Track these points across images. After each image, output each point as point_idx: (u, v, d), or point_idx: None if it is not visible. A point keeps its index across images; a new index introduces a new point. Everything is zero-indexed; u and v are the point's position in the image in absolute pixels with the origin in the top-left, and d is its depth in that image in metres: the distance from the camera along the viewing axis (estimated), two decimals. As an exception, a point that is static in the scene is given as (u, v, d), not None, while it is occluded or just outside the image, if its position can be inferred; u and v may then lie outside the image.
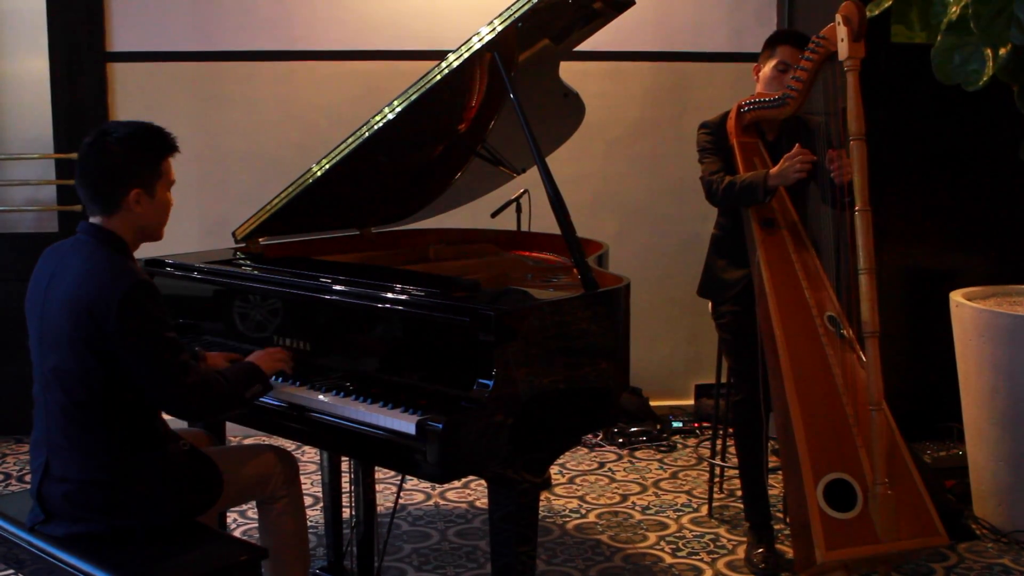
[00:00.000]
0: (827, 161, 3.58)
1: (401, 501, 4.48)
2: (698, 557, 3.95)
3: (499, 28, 3.07)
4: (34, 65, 5.31)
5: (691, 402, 5.79)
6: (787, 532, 4.02)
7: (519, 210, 4.63)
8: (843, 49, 3.26)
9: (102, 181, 2.68)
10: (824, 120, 3.62)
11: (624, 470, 4.95)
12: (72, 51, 5.25)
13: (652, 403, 5.61)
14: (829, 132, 3.59)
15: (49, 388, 2.68)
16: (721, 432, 4.47)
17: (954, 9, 3.39)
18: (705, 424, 5.51)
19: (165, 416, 2.79)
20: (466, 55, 3.11)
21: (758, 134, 3.87)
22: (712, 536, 4.14)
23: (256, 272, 3.34)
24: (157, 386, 2.62)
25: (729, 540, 4.09)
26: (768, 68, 3.83)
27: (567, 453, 4.96)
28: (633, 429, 5.33)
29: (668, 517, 4.35)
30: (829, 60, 3.43)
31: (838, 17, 3.25)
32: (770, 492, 3.99)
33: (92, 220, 2.72)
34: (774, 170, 3.60)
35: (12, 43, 5.36)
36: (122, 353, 2.57)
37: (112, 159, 2.66)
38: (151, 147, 2.71)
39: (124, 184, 2.67)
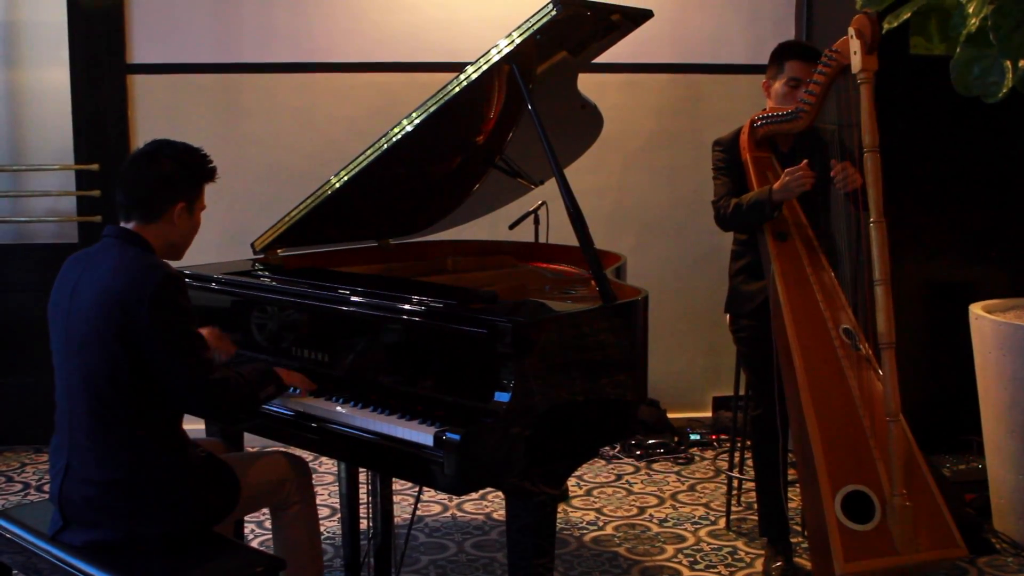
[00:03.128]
0: (832, 172, 3.59)
1: (418, 512, 4.48)
2: (716, 570, 3.93)
3: (518, 40, 3.07)
4: (55, 77, 5.35)
5: (709, 414, 5.78)
6: (805, 546, 4.01)
7: (537, 222, 4.63)
8: (856, 62, 3.26)
9: (151, 189, 2.77)
10: (838, 132, 3.62)
11: (641, 482, 4.94)
12: (93, 63, 5.28)
13: (670, 415, 5.60)
14: (842, 144, 3.59)
15: (74, 390, 2.71)
16: (739, 444, 4.46)
17: (973, 21, 3.38)
18: (723, 436, 5.49)
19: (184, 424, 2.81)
20: (485, 67, 3.12)
21: (771, 148, 3.87)
22: (730, 549, 4.12)
23: (275, 283, 3.35)
24: (181, 381, 2.65)
25: (747, 553, 4.08)
26: (779, 85, 3.83)
27: (584, 465, 4.95)
28: (651, 441, 5.32)
29: (686, 530, 4.34)
30: (842, 73, 3.43)
31: (851, 30, 3.26)
32: (789, 505, 3.97)
33: (123, 226, 2.79)
34: (777, 185, 3.62)
35: (34, 55, 5.40)
36: (150, 346, 2.61)
37: (167, 171, 2.77)
38: (200, 168, 2.85)
39: (173, 195, 2.78)
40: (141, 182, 2.78)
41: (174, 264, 2.91)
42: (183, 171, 2.79)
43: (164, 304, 2.61)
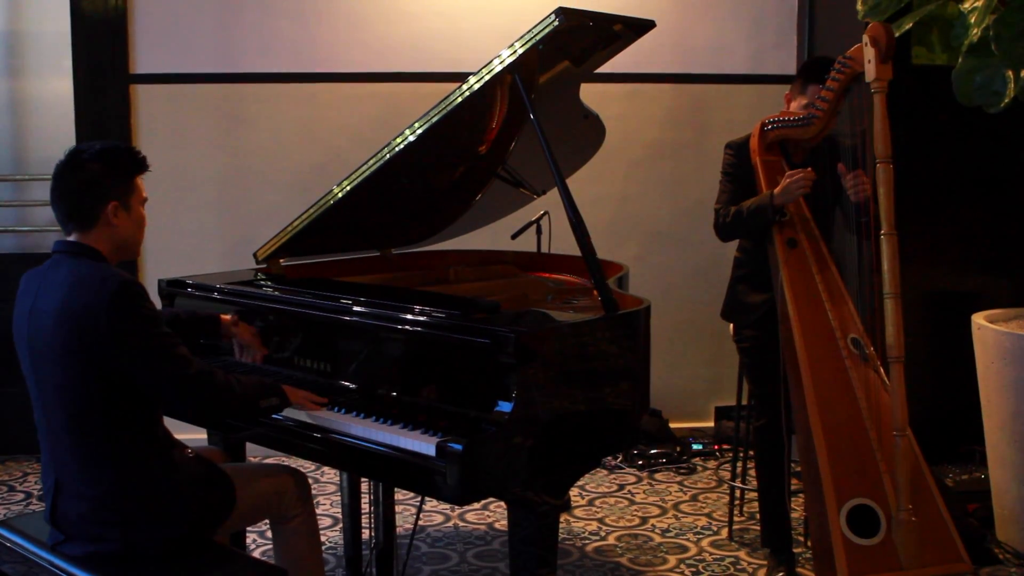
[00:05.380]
0: (843, 180, 3.59)
1: (420, 522, 4.47)
2: (718, 580, 3.93)
3: (520, 51, 3.08)
4: (58, 86, 5.36)
5: (711, 424, 5.77)
6: (807, 556, 4.00)
7: (539, 232, 4.63)
8: (870, 71, 3.24)
9: (80, 196, 2.72)
10: (851, 142, 3.61)
11: (644, 492, 4.93)
12: (96, 73, 5.29)
13: (672, 425, 5.59)
14: (855, 154, 3.58)
15: (49, 408, 2.70)
16: (741, 454, 4.45)
17: (975, 31, 3.38)
18: (725, 446, 5.48)
19: (172, 429, 2.79)
20: (487, 77, 3.12)
21: (782, 153, 3.85)
22: (732, 559, 4.12)
23: (277, 293, 3.35)
24: (159, 383, 2.63)
25: (749, 563, 4.07)
26: (797, 105, 3.81)
27: (586, 475, 4.95)
28: (653, 451, 5.31)
29: (688, 540, 4.33)
30: (855, 81, 3.42)
31: (865, 38, 3.23)
32: (791, 515, 3.96)
33: (68, 238, 2.75)
34: (778, 189, 3.62)
35: (37, 65, 5.42)
36: (118, 356, 2.58)
37: (89, 175, 2.71)
38: (124, 163, 2.76)
39: (102, 197, 2.71)
40: (68, 192, 2.74)
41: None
42: (106, 169, 2.72)
43: (122, 313, 2.58)
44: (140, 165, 2.80)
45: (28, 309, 2.72)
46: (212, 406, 2.77)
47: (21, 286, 2.81)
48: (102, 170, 2.72)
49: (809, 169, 3.59)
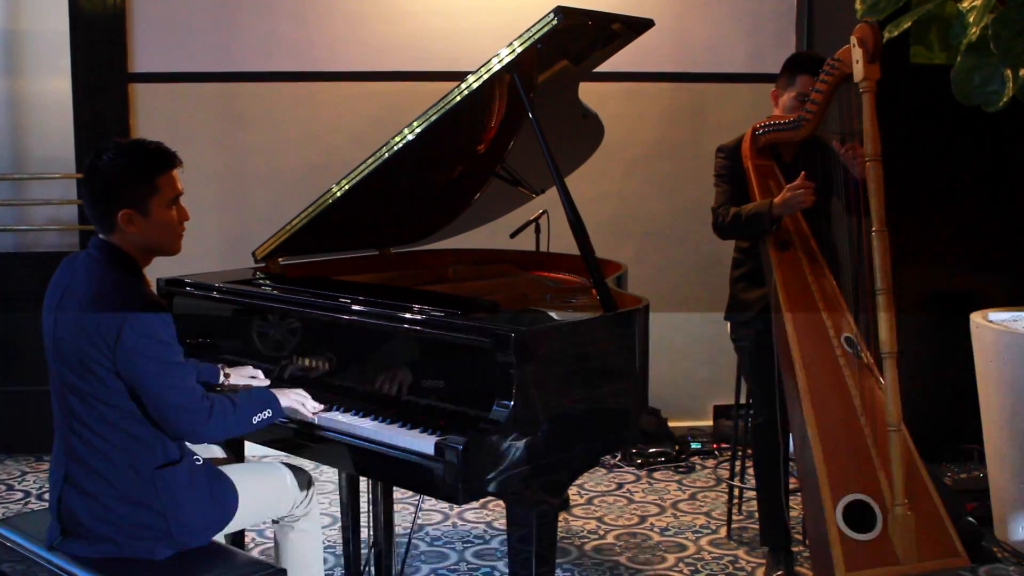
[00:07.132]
0: (843, 151, 3.59)
1: (419, 521, 4.48)
2: (717, 579, 3.94)
3: (519, 50, 3.08)
4: (57, 85, 5.36)
5: (710, 423, 5.77)
6: (807, 555, 4.00)
7: (538, 230, 4.63)
8: (858, 71, 3.28)
9: (94, 202, 2.68)
10: (841, 141, 3.63)
11: (642, 491, 4.93)
12: (95, 72, 5.29)
13: (671, 424, 5.59)
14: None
15: (66, 405, 2.70)
16: (740, 453, 4.45)
17: (974, 30, 3.38)
18: (724, 445, 5.49)
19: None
20: (486, 76, 3.12)
21: (773, 156, 3.88)
22: (731, 558, 4.12)
23: (276, 292, 3.35)
24: (161, 410, 2.62)
25: (748, 562, 4.07)
26: (787, 98, 3.84)
27: (585, 474, 4.95)
28: (651, 450, 5.31)
29: (687, 539, 4.33)
30: (844, 82, 3.45)
31: (853, 39, 3.27)
32: (790, 514, 3.97)
33: (100, 236, 2.73)
34: (778, 199, 3.63)
35: (35, 64, 5.41)
36: (129, 376, 2.58)
37: (102, 181, 2.66)
38: (140, 166, 2.67)
39: (112, 206, 2.65)
40: (86, 196, 2.69)
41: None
42: (119, 176, 2.64)
43: (139, 336, 2.55)
44: (162, 164, 2.70)
45: (56, 303, 2.70)
46: (209, 436, 2.78)
47: (59, 268, 2.78)
48: (114, 177, 2.65)
49: (812, 184, 3.59)
